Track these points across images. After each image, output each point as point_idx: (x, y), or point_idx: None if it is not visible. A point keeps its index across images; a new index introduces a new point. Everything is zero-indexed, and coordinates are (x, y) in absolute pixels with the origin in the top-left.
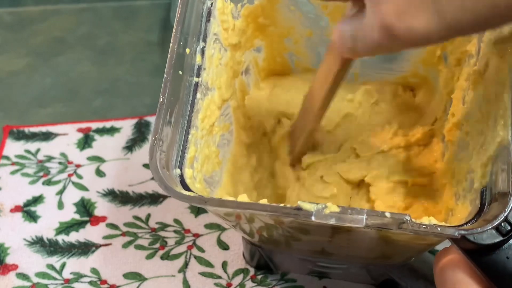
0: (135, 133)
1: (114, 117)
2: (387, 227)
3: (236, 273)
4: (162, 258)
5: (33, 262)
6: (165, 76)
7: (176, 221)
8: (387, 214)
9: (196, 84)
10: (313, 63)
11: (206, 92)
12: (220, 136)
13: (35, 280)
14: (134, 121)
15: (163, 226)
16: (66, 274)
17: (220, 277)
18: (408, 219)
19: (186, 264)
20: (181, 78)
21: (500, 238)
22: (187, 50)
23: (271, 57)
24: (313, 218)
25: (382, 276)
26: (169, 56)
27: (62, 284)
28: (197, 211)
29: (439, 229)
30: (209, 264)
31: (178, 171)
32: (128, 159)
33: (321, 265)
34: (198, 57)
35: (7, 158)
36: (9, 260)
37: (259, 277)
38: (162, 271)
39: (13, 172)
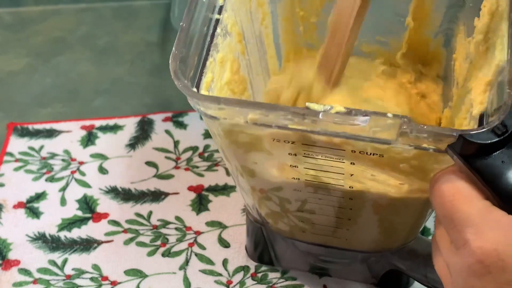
0: (138, 131)
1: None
2: (388, 135)
3: (237, 271)
4: (163, 255)
5: (35, 258)
6: (189, 0)
7: (178, 218)
8: (389, 115)
9: (217, 20)
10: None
11: (225, 33)
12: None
13: (37, 275)
14: (137, 119)
15: (165, 223)
16: (68, 270)
17: (220, 275)
18: (409, 119)
19: (187, 262)
20: (204, 7)
21: (496, 139)
22: None
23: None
24: (320, 116)
25: (382, 269)
26: None
27: (63, 280)
28: (199, 209)
29: (437, 128)
30: (209, 262)
31: (195, 90)
32: (130, 156)
33: (322, 260)
34: None
35: (11, 154)
36: (11, 255)
37: (259, 275)
38: (163, 268)
39: (16, 169)
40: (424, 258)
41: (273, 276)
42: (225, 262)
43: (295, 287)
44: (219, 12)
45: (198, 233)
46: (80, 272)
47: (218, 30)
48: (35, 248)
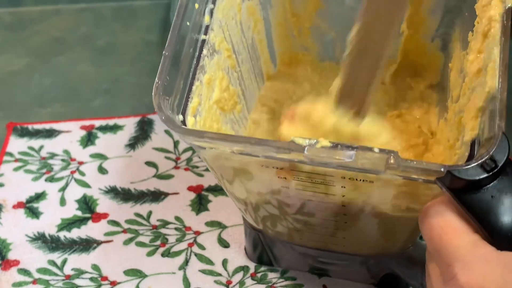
0: (138, 130)
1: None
2: (376, 167)
3: (236, 271)
4: (162, 255)
5: (34, 258)
6: (173, 24)
7: (177, 218)
8: (376, 149)
9: (203, 40)
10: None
11: (212, 52)
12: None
13: (37, 276)
14: (137, 119)
15: (164, 223)
16: (67, 270)
17: (220, 275)
18: (396, 154)
19: (186, 262)
20: (188, 30)
21: (485, 175)
22: (196, 6)
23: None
24: (305, 152)
25: (381, 272)
26: (178, 7)
27: (63, 280)
28: (198, 209)
29: (424, 164)
30: (209, 262)
31: (180, 117)
32: (130, 156)
33: (322, 261)
34: (207, 17)
35: (10, 154)
36: (11, 255)
37: (259, 274)
38: (163, 268)
39: (16, 169)
40: (421, 266)
41: (272, 276)
42: (224, 262)
43: (294, 287)
44: (205, 33)
45: (197, 233)
46: (79, 272)
47: (205, 51)
48: (34, 248)
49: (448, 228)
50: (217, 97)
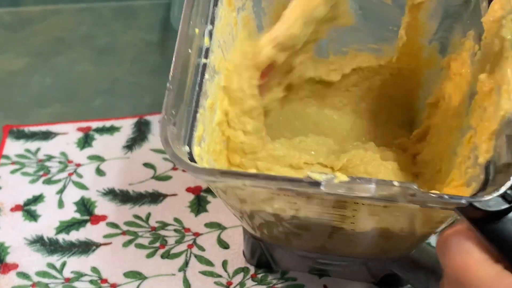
0: (135, 132)
1: (114, 117)
2: (396, 198)
3: (236, 272)
4: (162, 257)
5: (33, 261)
6: (175, 54)
7: (176, 220)
8: (395, 183)
9: (204, 65)
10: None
11: (213, 74)
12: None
13: (36, 279)
14: (134, 120)
15: (163, 225)
16: (67, 273)
17: (220, 276)
18: (416, 188)
19: (186, 263)
20: (190, 57)
21: (506, 205)
22: (196, 31)
23: None
24: (322, 189)
25: (382, 272)
26: (179, 34)
27: (62, 283)
28: (197, 210)
29: (446, 197)
30: (209, 263)
31: (187, 148)
32: (128, 158)
33: (321, 262)
34: (206, 39)
35: (7, 157)
36: (9, 259)
37: (259, 276)
38: (163, 270)
39: (13, 171)
40: (426, 270)
41: (273, 277)
42: (224, 263)
43: None
44: (206, 56)
45: (197, 234)
46: (79, 275)
47: (206, 75)
48: (33, 251)
49: (471, 260)
50: (219, 119)
